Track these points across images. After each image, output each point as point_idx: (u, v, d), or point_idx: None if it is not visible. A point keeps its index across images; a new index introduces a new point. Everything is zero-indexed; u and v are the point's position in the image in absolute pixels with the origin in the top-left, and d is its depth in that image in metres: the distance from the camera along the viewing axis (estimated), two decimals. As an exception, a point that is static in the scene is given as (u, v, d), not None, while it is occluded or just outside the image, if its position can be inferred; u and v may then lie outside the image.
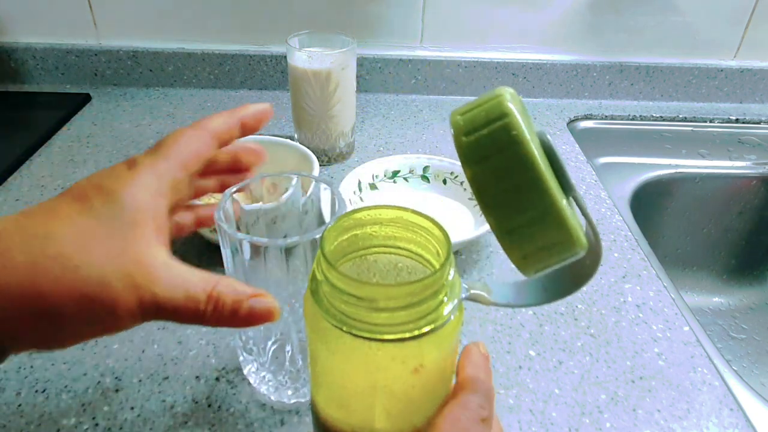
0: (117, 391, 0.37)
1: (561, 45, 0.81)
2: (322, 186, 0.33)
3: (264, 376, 0.34)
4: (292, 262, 0.29)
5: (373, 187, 0.56)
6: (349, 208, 0.51)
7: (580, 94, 0.84)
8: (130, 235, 0.23)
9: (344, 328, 0.21)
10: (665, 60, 0.83)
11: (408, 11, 0.77)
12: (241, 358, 0.35)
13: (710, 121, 0.81)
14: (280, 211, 0.34)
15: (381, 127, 0.73)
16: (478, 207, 0.56)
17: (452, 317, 0.22)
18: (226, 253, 0.29)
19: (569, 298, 0.46)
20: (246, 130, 0.30)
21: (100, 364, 0.38)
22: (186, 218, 0.31)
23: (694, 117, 0.81)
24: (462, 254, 0.50)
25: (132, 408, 0.36)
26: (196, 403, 0.36)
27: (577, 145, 0.71)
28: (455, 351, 0.24)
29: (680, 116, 0.81)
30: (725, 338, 0.73)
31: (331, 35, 0.60)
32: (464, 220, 0.52)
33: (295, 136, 0.64)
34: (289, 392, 0.34)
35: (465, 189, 0.55)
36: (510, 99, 0.20)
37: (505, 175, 0.20)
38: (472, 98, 0.21)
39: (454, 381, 0.25)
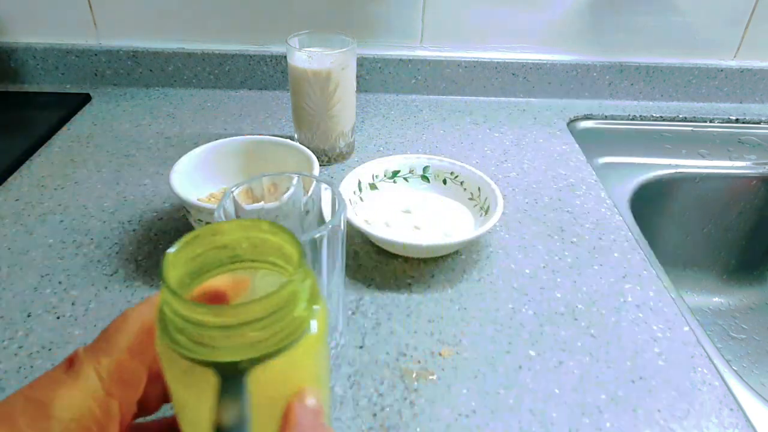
0: (117, 391, 0.37)
1: (561, 45, 0.81)
2: (323, 186, 0.33)
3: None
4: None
5: (373, 187, 0.56)
6: (350, 208, 0.51)
7: (580, 94, 0.84)
8: None
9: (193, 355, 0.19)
10: (665, 60, 0.83)
11: (408, 11, 0.78)
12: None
13: (710, 121, 0.81)
14: (281, 211, 0.34)
15: (381, 127, 0.73)
16: (478, 207, 0.56)
17: (309, 331, 0.20)
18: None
19: (569, 298, 0.46)
20: None
21: (100, 364, 0.38)
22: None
23: (694, 117, 0.81)
24: (462, 254, 0.50)
25: (132, 408, 0.36)
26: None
27: (577, 145, 0.71)
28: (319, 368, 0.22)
29: (680, 116, 0.81)
30: (725, 338, 0.73)
31: (331, 35, 0.60)
32: (464, 220, 0.52)
33: (295, 136, 0.64)
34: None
35: (465, 189, 0.55)
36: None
37: None
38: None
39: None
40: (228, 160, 0.53)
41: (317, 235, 0.28)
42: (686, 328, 0.44)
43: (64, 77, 0.80)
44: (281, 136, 0.55)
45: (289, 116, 0.74)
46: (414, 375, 0.39)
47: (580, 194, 0.60)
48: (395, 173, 0.57)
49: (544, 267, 0.49)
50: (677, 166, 0.72)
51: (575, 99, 0.84)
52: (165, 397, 0.25)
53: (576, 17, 0.79)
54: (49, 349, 0.39)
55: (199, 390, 0.19)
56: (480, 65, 0.80)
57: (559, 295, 0.46)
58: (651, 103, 0.85)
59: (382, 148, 0.68)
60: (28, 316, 0.42)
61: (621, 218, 0.57)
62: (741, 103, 0.85)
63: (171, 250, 0.20)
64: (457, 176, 0.56)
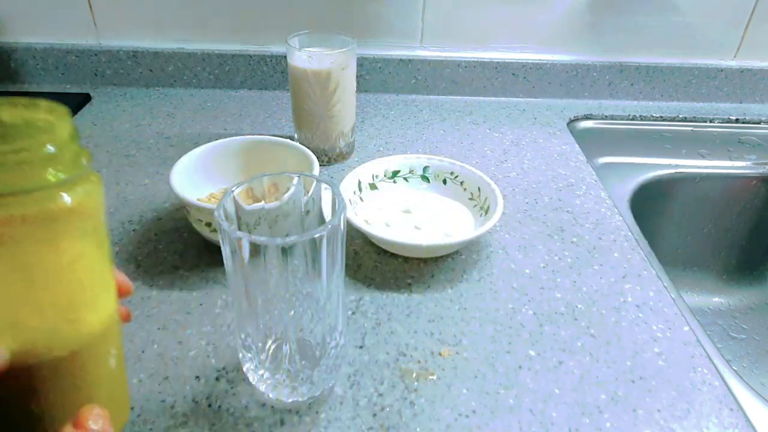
0: (117, 390, 0.37)
1: (561, 45, 0.81)
2: (323, 186, 0.33)
3: (262, 375, 0.34)
4: (292, 262, 0.29)
5: (373, 187, 0.56)
6: (350, 208, 0.51)
7: (580, 94, 0.84)
8: None
9: None
10: (665, 60, 0.83)
11: (408, 11, 0.78)
12: (240, 355, 0.35)
13: (710, 121, 0.81)
14: (281, 211, 0.34)
15: (381, 127, 0.73)
16: (478, 207, 0.56)
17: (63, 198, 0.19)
18: (225, 252, 0.29)
19: (569, 298, 0.46)
20: None
21: (100, 364, 0.38)
22: None
23: (694, 117, 0.81)
24: (462, 254, 0.50)
25: (132, 408, 0.36)
26: (196, 402, 0.36)
27: (577, 145, 0.71)
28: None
29: (680, 116, 0.81)
30: (725, 338, 0.73)
31: (331, 35, 0.60)
32: (464, 220, 0.52)
33: (295, 136, 0.64)
34: (287, 391, 0.35)
35: (465, 189, 0.55)
36: None
37: None
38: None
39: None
40: (228, 160, 0.53)
41: (317, 235, 0.28)
42: (686, 328, 0.44)
43: (64, 77, 0.80)
44: (281, 136, 0.55)
45: (289, 116, 0.74)
46: (414, 375, 0.39)
47: (580, 194, 0.60)
48: (395, 173, 0.57)
49: (544, 267, 0.49)
50: (677, 166, 0.72)
51: (575, 99, 0.84)
52: None
53: (576, 17, 0.79)
54: (49, 349, 0.39)
55: None
56: (480, 65, 0.80)
57: (559, 295, 0.46)
58: (651, 103, 0.85)
59: (382, 148, 0.68)
60: (28, 316, 0.42)
61: (621, 218, 0.57)
62: (741, 103, 0.85)
63: None
64: (457, 176, 0.56)
